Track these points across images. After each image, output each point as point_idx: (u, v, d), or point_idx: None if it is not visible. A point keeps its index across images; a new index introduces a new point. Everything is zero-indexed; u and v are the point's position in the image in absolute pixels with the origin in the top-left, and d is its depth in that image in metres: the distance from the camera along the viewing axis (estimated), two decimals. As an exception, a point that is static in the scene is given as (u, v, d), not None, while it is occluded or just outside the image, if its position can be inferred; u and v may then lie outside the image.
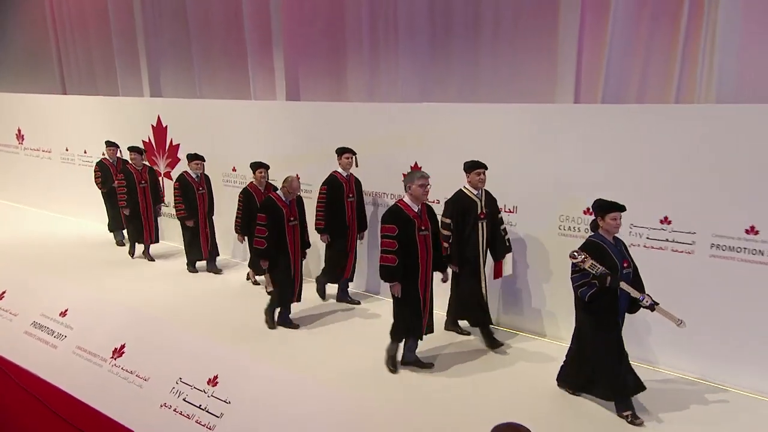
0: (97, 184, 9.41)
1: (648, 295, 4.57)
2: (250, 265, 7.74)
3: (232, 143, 8.55)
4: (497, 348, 5.98)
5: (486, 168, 5.86)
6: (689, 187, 5.40)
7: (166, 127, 9.43)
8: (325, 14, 8.45)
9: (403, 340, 5.57)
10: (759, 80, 5.81)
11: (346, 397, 5.16)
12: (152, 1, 10.44)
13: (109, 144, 9.45)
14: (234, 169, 8.57)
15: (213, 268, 8.32)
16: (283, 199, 6.33)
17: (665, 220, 5.55)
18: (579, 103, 6.59)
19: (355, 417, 4.91)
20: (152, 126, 9.58)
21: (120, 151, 9.50)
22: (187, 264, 8.39)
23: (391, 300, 5.52)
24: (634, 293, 4.52)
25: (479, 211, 5.85)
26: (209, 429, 5.16)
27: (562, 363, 5.22)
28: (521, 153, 6.32)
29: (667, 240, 5.58)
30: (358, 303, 7.26)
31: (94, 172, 9.45)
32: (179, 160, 9.27)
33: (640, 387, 4.80)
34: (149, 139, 9.67)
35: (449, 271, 5.83)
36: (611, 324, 4.71)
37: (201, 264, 8.42)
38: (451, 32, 7.54)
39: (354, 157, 6.90)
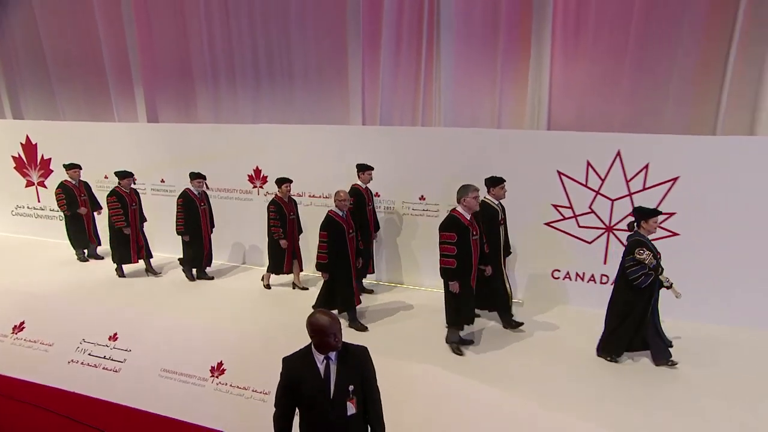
0: (60, 207, 7.46)
1: (668, 277, 4.49)
2: (269, 270, 6.60)
3: (101, 157, 7.97)
4: (515, 328, 5.47)
5: (505, 181, 5.40)
6: (433, 178, 6.37)
7: (36, 144, 8.51)
8: (174, 50, 8.11)
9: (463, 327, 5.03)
10: (467, 112, 6.78)
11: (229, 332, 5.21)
12: (5, 36, 9.14)
13: (72, 166, 7.44)
14: (106, 177, 8.06)
15: (205, 275, 6.97)
16: (340, 213, 5.34)
17: (422, 198, 6.51)
18: (365, 125, 7.12)
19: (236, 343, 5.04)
20: (21, 144, 8.56)
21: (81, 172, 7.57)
22: (185, 271, 6.95)
23: (444, 294, 4.96)
24: (663, 278, 4.45)
25: (500, 218, 5.41)
26: (115, 371, 5.10)
27: (602, 337, 4.85)
28: (329, 158, 6.74)
29: (423, 210, 6.56)
30: (371, 291, 6.51)
31: (56, 194, 7.43)
32: (52, 171, 8.46)
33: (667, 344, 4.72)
34: (19, 155, 8.64)
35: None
36: (650, 299, 4.54)
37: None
38: (272, 71, 7.66)
39: (372, 171, 6.26)
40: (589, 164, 5.81)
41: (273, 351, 4.77)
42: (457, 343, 4.98)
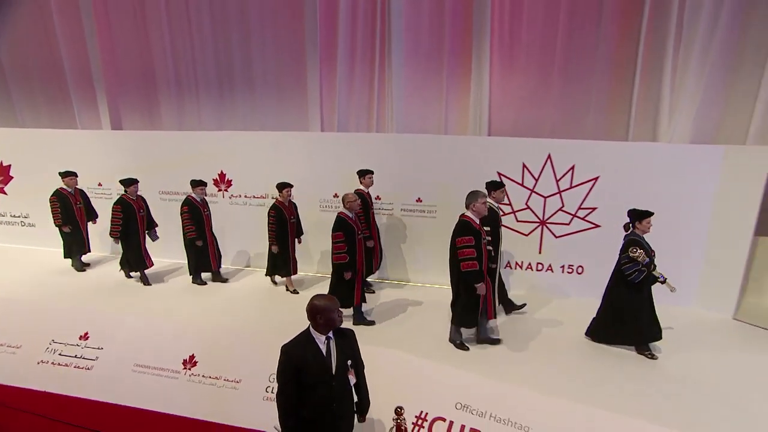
0: (54, 217, 6.86)
1: (662, 273, 4.61)
2: (269, 273, 6.48)
3: (64, 164, 7.52)
4: (517, 309, 5.71)
5: (504, 185, 5.48)
6: (388, 180, 6.51)
7: (-5, 151, 8.10)
8: (137, 58, 7.85)
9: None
10: (419, 120, 6.98)
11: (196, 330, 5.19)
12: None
13: (67, 174, 6.88)
14: (71, 183, 7.83)
15: (219, 278, 6.76)
16: (350, 215, 5.21)
17: (377, 198, 6.61)
18: (324, 132, 7.22)
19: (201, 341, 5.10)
20: (-21, 150, 8.12)
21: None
22: (194, 277, 6.68)
23: (453, 294, 4.90)
24: (657, 273, 4.57)
25: (499, 221, 5.41)
26: (88, 369, 5.01)
27: (593, 320, 5.03)
28: (291, 162, 6.75)
29: (379, 208, 6.66)
30: (373, 292, 6.42)
31: (51, 203, 6.84)
32: (12, 177, 8.06)
33: (658, 336, 4.76)
34: (-25, 162, 8.19)
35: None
36: (643, 293, 4.66)
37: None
38: (234, 81, 7.57)
39: (372, 175, 6.20)
40: (524, 166, 6.25)
41: (243, 344, 4.96)
42: (461, 341, 4.92)
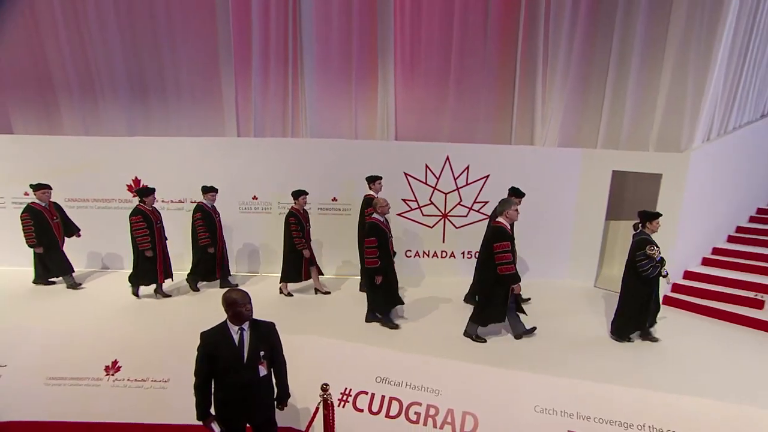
0: (27, 237, 5.85)
1: (666, 268, 4.72)
2: (283, 279, 6.06)
3: None
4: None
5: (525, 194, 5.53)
6: (303, 181, 6.44)
7: None
8: (27, 58, 6.89)
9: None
10: (331, 126, 7.06)
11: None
12: None
13: (39, 186, 5.92)
14: (-46, 192, 6.78)
15: (226, 284, 6.32)
16: (382, 220, 5.02)
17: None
18: (240, 137, 7.02)
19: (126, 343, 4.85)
20: None
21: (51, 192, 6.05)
22: (191, 283, 6.21)
23: (479, 296, 4.88)
24: (664, 270, 4.68)
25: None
26: None
27: (613, 320, 5.02)
28: (209, 165, 6.60)
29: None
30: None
31: (22, 220, 5.85)
32: None
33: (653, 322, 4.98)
34: None
35: None
36: (653, 286, 4.78)
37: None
38: (145, 86, 7.05)
39: (381, 180, 6.02)
40: (427, 167, 6.70)
41: (170, 344, 4.74)
42: (478, 335, 4.98)
